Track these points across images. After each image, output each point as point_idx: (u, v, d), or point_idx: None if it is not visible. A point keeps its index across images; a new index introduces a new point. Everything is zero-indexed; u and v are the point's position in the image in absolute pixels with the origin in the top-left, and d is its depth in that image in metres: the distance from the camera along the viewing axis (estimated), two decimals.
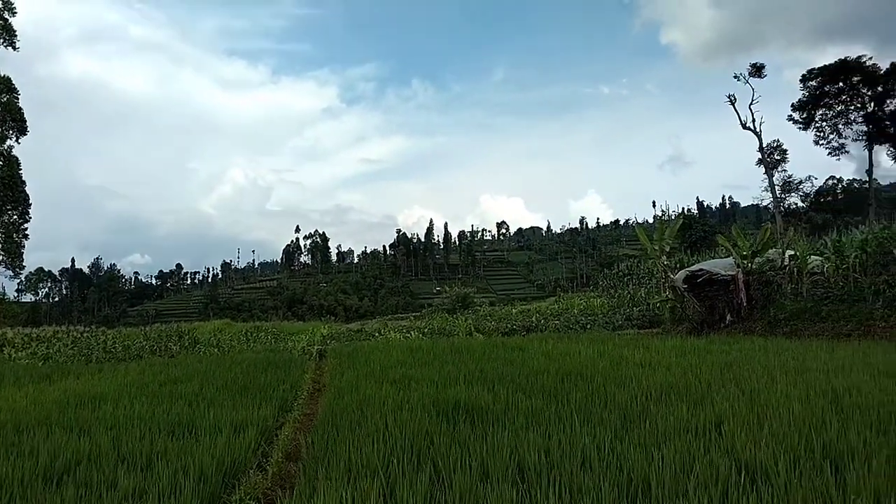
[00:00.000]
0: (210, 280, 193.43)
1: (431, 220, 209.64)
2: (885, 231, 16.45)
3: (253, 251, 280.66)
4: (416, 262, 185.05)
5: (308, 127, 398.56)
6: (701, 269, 19.57)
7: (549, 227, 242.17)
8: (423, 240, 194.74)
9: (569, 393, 8.07)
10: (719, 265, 19.54)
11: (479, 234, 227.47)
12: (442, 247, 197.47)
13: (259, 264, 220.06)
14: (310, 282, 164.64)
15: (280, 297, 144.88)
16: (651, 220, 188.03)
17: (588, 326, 23.95)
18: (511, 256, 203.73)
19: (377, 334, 23.68)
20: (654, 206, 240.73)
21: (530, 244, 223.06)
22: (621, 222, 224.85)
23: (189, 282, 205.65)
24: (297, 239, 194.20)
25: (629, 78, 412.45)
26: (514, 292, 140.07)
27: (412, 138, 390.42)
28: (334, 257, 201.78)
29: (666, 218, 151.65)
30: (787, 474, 4.45)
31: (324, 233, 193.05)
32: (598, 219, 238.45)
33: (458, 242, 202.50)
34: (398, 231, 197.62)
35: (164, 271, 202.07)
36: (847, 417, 5.95)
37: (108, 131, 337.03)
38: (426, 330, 24.79)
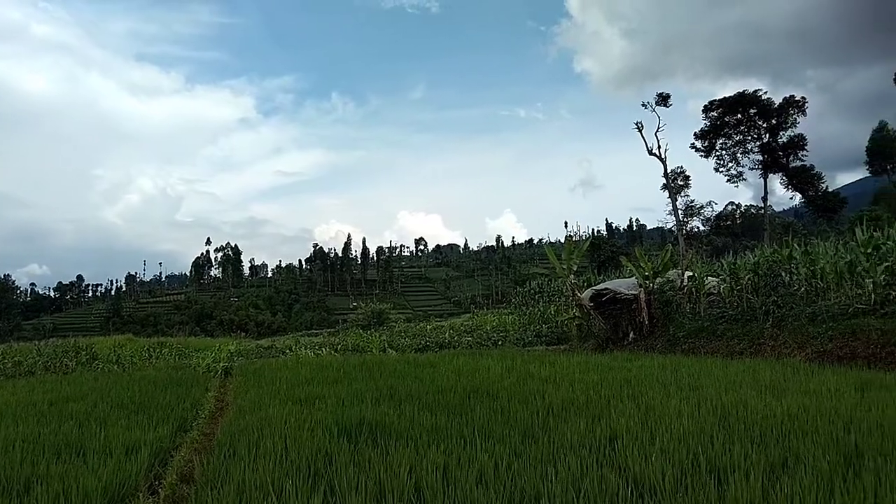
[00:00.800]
0: (113, 293, 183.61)
1: (349, 235, 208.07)
2: (775, 255, 17.50)
3: (160, 263, 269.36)
4: (332, 277, 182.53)
5: (223, 137, 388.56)
6: (606, 289, 20.23)
7: (466, 245, 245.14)
8: (340, 254, 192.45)
9: (473, 410, 8.13)
10: (623, 285, 20.27)
11: (398, 249, 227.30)
12: (359, 262, 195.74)
13: (166, 277, 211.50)
14: (220, 296, 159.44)
15: (188, 312, 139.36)
16: (563, 240, 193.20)
17: (500, 343, 24.26)
18: (429, 273, 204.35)
19: (288, 351, 23.15)
20: (566, 226, 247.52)
21: (448, 261, 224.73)
22: (535, 241, 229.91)
23: (90, 294, 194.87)
24: (208, 251, 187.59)
25: (544, 102, 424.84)
26: (431, 308, 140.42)
27: (331, 152, 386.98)
28: (247, 271, 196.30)
29: (577, 238, 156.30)
30: (672, 488, 4.62)
31: (236, 245, 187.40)
32: (513, 237, 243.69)
33: (375, 258, 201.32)
34: (315, 245, 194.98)
35: (64, 283, 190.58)
36: (733, 432, 6.24)
37: (6, 134, 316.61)
38: (339, 346, 24.41)
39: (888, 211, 42.35)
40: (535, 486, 4.69)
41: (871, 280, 13.82)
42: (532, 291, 41.26)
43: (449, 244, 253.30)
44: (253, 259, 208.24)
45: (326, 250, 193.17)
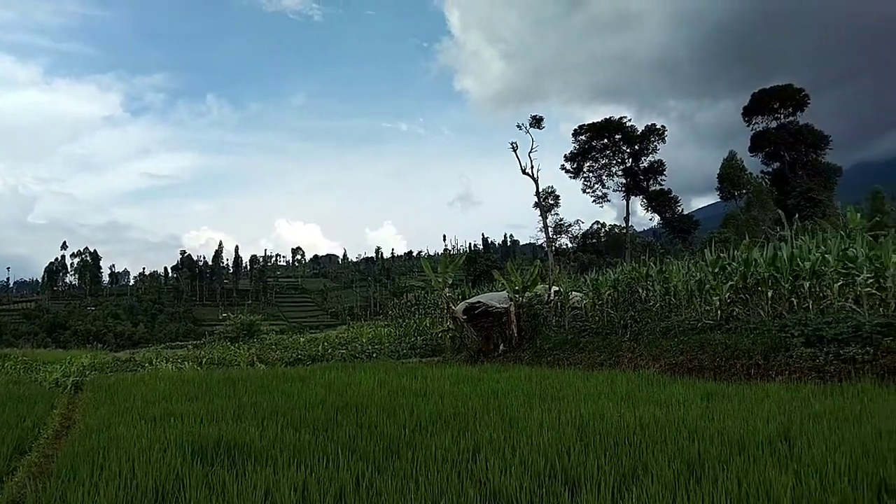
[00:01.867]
0: None
1: (221, 243, 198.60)
2: (634, 272, 18.60)
3: (8, 268, 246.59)
4: (201, 287, 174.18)
5: (84, 134, 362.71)
6: (479, 302, 20.64)
7: (345, 255, 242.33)
8: (210, 263, 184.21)
9: (340, 425, 7.98)
10: (495, 298, 20.76)
11: (273, 259, 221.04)
12: (231, 271, 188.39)
13: (15, 283, 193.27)
14: (76, 305, 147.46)
15: (39, 321, 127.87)
16: (442, 253, 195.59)
17: (374, 355, 24.05)
18: (306, 283, 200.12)
19: (147, 364, 21.73)
20: (444, 239, 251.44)
21: (326, 271, 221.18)
22: (415, 253, 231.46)
23: None
24: (63, 256, 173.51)
25: (426, 118, 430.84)
26: (307, 320, 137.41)
27: (204, 156, 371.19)
28: (106, 278, 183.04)
29: (454, 252, 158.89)
30: (528, 500, 4.72)
31: (95, 251, 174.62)
32: (392, 249, 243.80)
33: (249, 267, 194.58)
34: (183, 252, 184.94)
35: None
36: (589, 443, 6.49)
37: None
38: (204, 360, 23.24)
39: (735, 233, 46.27)
40: (396, 503, 4.63)
41: (718, 297, 14.97)
42: (409, 303, 41.41)
43: (328, 254, 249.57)
44: (114, 266, 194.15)
45: (196, 258, 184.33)
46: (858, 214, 19.54)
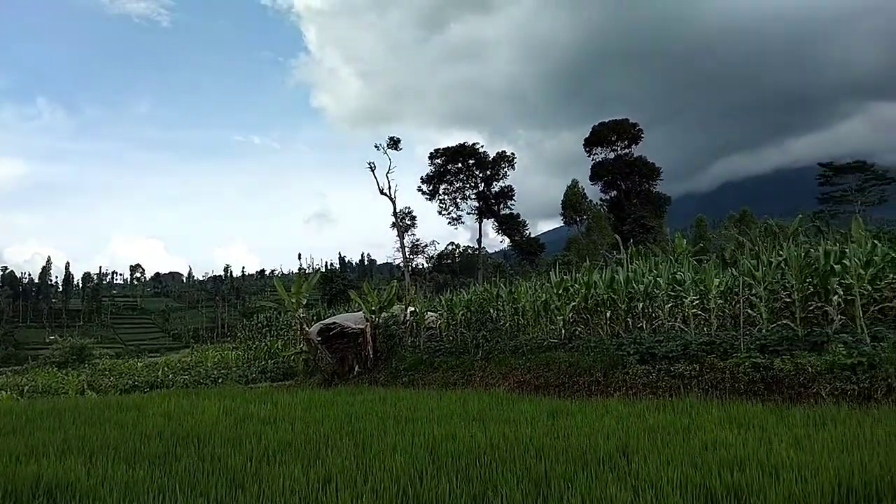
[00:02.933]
0: None
1: (49, 259, 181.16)
2: (486, 293, 19.13)
3: None
4: (25, 306, 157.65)
5: None
6: (334, 323, 20.29)
7: (190, 274, 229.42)
8: (36, 280, 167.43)
9: (179, 459, 7.44)
10: (351, 319, 20.51)
11: (109, 276, 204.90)
12: (61, 289, 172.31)
13: None
14: None
15: None
16: (297, 272, 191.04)
17: (220, 381, 22.91)
18: (145, 303, 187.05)
19: None
20: (299, 258, 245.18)
21: (169, 290, 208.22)
22: (267, 272, 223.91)
23: None
24: None
25: (281, 132, 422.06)
26: (146, 343, 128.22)
27: (32, 163, 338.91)
28: None
29: (310, 271, 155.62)
30: None
31: None
32: (243, 267, 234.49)
33: (81, 285, 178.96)
34: (4, 269, 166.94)
35: None
36: (441, 465, 6.50)
37: None
38: (26, 388, 21.05)
39: (577, 256, 49.13)
40: None
41: (562, 317, 15.74)
42: (259, 325, 39.80)
43: (171, 272, 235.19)
44: None
45: (19, 275, 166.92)
46: (685, 240, 21.43)
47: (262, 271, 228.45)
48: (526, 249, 64.86)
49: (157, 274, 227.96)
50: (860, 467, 5.60)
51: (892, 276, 11.97)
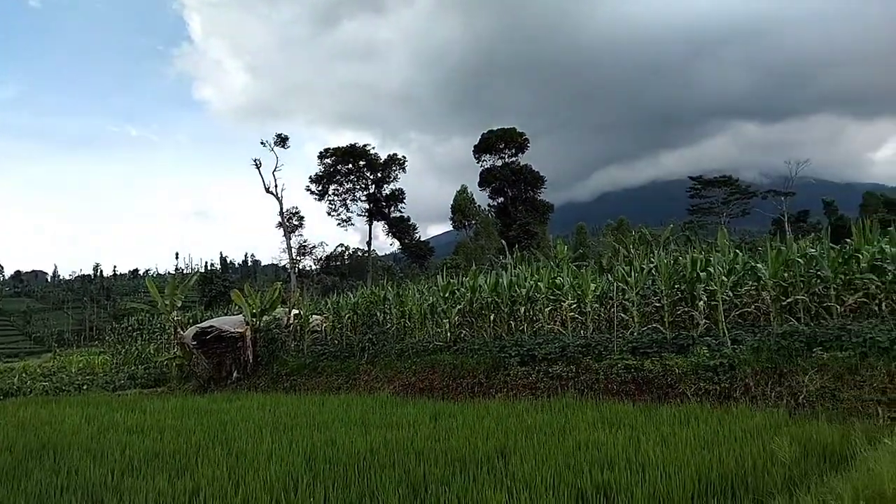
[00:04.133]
0: None
1: None
2: (373, 295, 18.94)
3: None
4: None
5: None
6: (211, 326, 19.43)
7: (56, 273, 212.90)
8: None
9: (30, 474, 6.81)
10: (230, 322, 19.72)
11: None
12: None
13: None
14: None
15: None
16: (174, 272, 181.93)
17: (85, 387, 21.33)
18: (4, 304, 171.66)
19: None
20: (176, 257, 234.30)
21: (31, 290, 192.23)
22: (141, 272, 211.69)
23: None
24: None
25: (160, 124, 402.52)
26: (4, 347, 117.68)
27: None
28: None
29: (189, 271, 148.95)
30: None
31: None
32: (115, 266, 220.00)
33: None
34: None
35: None
36: (318, 473, 6.31)
37: None
38: None
39: (465, 260, 49.81)
40: None
41: (448, 320, 15.85)
42: (130, 328, 37.53)
43: (33, 271, 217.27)
44: None
45: None
46: (566, 247, 22.21)
47: (136, 271, 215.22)
48: (416, 253, 65.12)
49: (18, 272, 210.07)
50: (718, 463, 5.95)
51: (750, 283, 12.91)
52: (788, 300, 11.71)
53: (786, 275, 11.82)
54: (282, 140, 57.82)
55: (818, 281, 11.50)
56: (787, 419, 8.43)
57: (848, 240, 12.55)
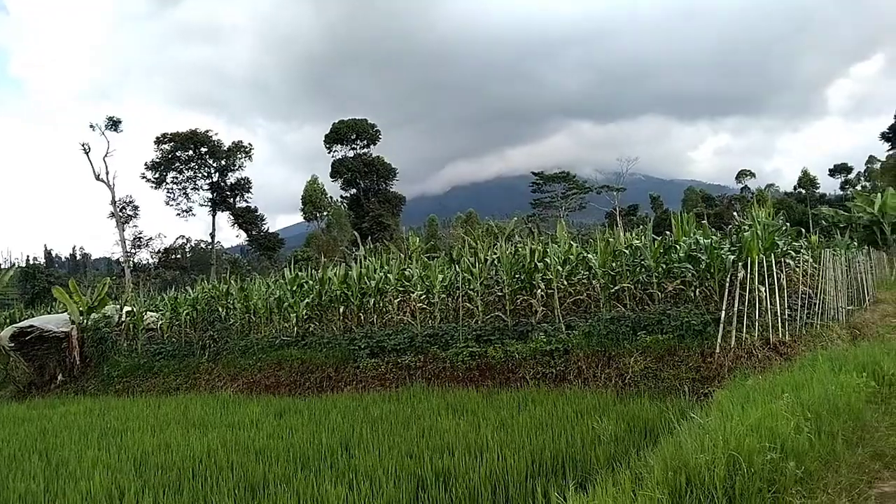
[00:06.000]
0: None
1: None
2: (214, 290, 18.05)
3: None
4: None
5: None
6: (32, 326, 17.69)
7: None
8: None
9: None
10: (53, 321, 18.05)
11: None
12: None
13: None
14: None
15: None
16: None
17: None
18: None
19: None
20: None
21: None
22: None
23: None
24: None
25: None
26: None
27: None
28: None
29: (5, 265, 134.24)
30: None
31: None
32: None
33: None
34: None
35: None
36: (148, 480, 5.95)
37: None
38: None
39: (317, 252, 48.96)
40: None
41: (296, 314, 15.50)
42: None
43: None
44: None
45: None
46: (417, 239, 22.52)
47: None
48: (264, 245, 62.87)
49: None
50: (551, 443, 6.32)
51: (583, 272, 13.78)
52: (616, 288, 12.62)
53: (614, 264, 12.72)
54: (114, 123, 53.55)
55: (642, 270, 12.49)
56: (615, 399, 9.11)
57: (668, 232, 13.70)
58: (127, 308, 18.43)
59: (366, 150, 62.99)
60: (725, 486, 3.80)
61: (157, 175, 58.52)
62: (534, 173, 71.44)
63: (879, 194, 30.97)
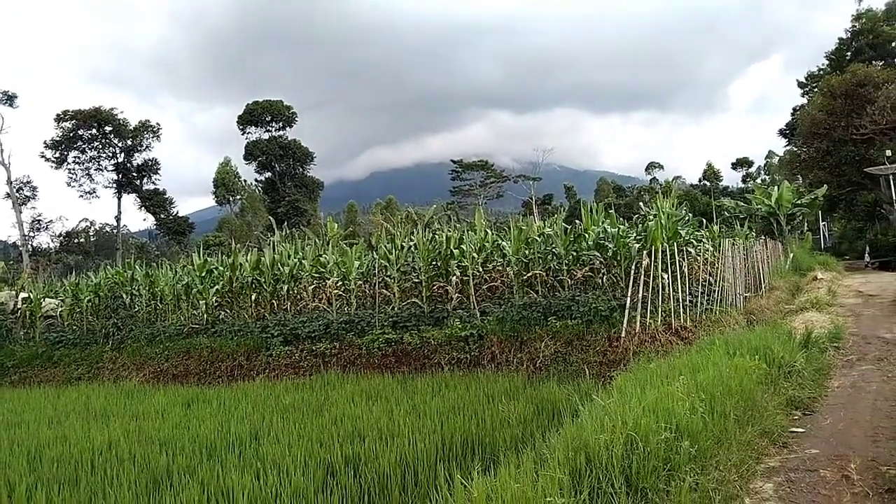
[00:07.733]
0: None
1: None
2: (118, 276, 17.27)
3: None
4: None
5: None
6: None
7: None
8: None
9: None
10: None
11: None
12: None
13: None
14: None
15: None
16: None
17: None
18: None
19: None
20: None
21: None
22: None
23: None
24: None
25: None
26: None
27: None
28: None
29: None
30: None
31: None
32: None
33: None
34: None
35: None
36: (42, 475, 5.67)
37: None
38: None
39: (230, 237, 47.58)
40: None
41: (205, 301, 15.04)
42: None
43: None
44: None
45: None
46: (336, 225, 22.26)
47: None
48: (173, 229, 60.36)
49: None
50: (462, 427, 6.43)
51: (497, 259, 14.01)
52: (529, 275, 12.90)
53: (527, 252, 12.99)
54: (9, 98, 50.08)
55: (553, 257, 12.82)
56: (525, 382, 9.35)
57: (578, 221, 14.11)
58: (24, 294, 17.39)
59: (281, 132, 61.36)
60: (623, 464, 3.97)
61: (57, 154, 55.06)
62: (453, 161, 71.84)
63: (776, 187, 32.81)
